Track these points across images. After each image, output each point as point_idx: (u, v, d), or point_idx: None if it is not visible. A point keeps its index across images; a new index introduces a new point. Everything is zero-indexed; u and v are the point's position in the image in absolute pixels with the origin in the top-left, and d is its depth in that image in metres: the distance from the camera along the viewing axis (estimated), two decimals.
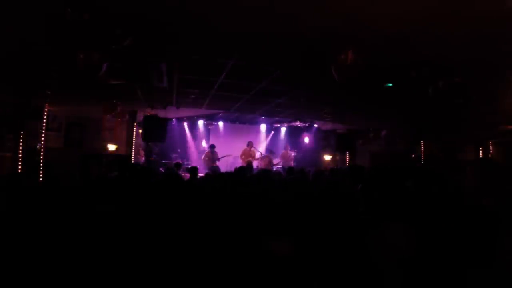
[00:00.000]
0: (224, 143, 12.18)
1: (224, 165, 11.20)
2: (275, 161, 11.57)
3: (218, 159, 11.14)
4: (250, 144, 11.50)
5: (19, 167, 7.08)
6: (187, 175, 6.85)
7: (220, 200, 2.98)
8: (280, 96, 7.18)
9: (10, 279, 2.00)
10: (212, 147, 11.35)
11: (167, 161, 10.98)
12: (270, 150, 12.04)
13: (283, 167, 10.83)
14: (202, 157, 11.41)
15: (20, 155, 7.11)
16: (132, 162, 9.04)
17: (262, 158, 11.38)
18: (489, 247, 1.75)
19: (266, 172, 5.40)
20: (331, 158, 12.25)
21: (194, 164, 8.34)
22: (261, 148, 12.35)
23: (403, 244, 1.86)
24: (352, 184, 3.71)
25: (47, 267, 2.09)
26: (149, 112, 8.73)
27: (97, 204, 2.73)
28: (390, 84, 5.61)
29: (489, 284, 1.69)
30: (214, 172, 7.15)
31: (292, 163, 11.43)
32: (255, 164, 11.18)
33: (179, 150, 11.93)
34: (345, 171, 6.19)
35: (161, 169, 9.16)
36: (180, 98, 7.75)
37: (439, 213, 2.21)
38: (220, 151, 11.44)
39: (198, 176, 6.38)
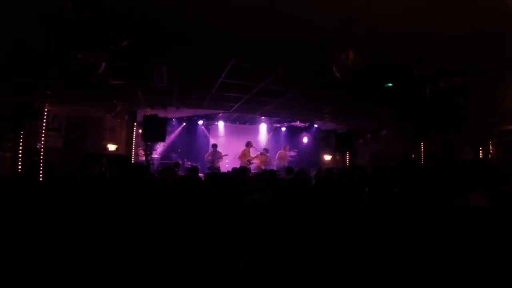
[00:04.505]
0: (224, 143, 12.17)
1: (224, 165, 11.20)
2: (271, 160, 11.50)
3: (220, 159, 11.13)
4: (249, 144, 11.45)
5: (19, 167, 7.09)
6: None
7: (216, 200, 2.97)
8: (280, 96, 7.18)
9: (11, 279, 2.00)
10: (214, 146, 11.32)
11: (167, 161, 10.98)
12: (264, 148, 11.93)
13: (278, 167, 10.78)
14: (206, 156, 11.40)
15: (20, 155, 7.11)
16: (132, 162, 9.05)
17: (257, 156, 11.34)
18: (487, 247, 1.75)
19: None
20: (331, 158, 12.24)
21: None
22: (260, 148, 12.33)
23: (388, 240, 1.83)
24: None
25: (48, 266, 2.09)
26: (149, 112, 8.74)
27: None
28: (390, 84, 5.62)
29: (488, 284, 1.69)
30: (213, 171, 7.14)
31: (286, 163, 11.23)
32: (253, 164, 11.16)
33: (179, 150, 11.92)
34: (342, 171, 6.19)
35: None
36: (180, 98, 7.75)
37: (437, 213, 2.21)
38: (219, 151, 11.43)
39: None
